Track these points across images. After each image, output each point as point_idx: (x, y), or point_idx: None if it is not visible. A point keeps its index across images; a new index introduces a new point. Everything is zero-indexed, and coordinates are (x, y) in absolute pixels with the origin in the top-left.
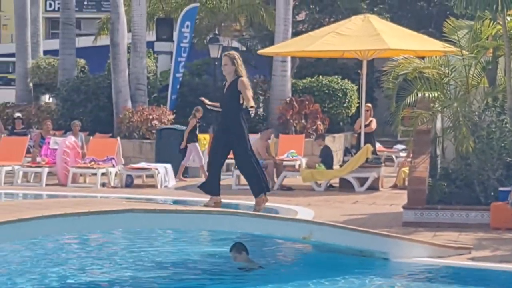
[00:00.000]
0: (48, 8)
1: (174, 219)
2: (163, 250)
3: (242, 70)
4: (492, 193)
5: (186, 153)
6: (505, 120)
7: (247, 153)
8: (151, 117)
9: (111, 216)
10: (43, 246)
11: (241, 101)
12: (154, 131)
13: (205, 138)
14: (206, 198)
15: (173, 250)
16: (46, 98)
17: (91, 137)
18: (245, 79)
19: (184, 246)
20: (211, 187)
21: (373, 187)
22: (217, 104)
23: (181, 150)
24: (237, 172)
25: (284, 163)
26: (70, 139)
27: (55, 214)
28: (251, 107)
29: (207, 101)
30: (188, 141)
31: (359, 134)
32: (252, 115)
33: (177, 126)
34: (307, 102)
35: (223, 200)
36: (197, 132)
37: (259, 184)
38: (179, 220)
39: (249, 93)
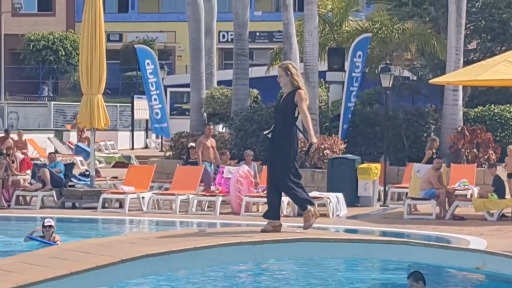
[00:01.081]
0: (221, 39)
1: (347, 249)
2: (336, 278)
3: (299, 80)
4: None
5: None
6: None
7: (285, 173)
8: (322, 146)
9: (285, 245)
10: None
11: (296, 115)
12: (325, 161)
13: (376, 168)
14: (379, 227)
15: (345, 278)
16: (220, 128)
17: (263, 167)
18: (302, 91)
19: (356, 274)
20: (270, 211)
21: None
22: None
23: None
24: (409, 201)
25: (456, 192)
26: (244, 168)
27: (231, 242)
28: (311, 143)
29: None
30: None
31: None
32: (311, 151)
33: (349, 156)
34: (479, 131)
35: (395, 229)
36: None
37: (302, 197)
38: (352, 249)
39: (305, 107)
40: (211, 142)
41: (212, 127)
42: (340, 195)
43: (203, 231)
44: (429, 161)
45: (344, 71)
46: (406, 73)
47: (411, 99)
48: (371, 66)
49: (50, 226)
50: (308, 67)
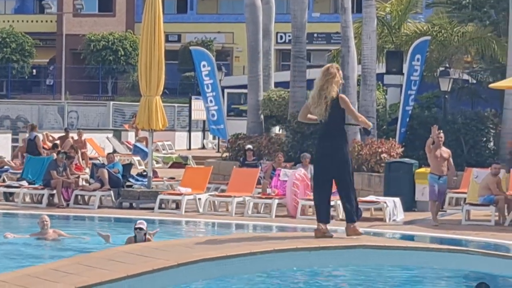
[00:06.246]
0: (279, 41)
1: (406, 256)
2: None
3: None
4: None
5: None
6: None
7: None
8: (380, 150)
9: (342, 252)
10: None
11: None
12: (383, 164)
13: None
14: (437, 233)
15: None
16: (277, 130)
17: None
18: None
19: (413, 284)
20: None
21: None
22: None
23: None
24: (467, 207)
25: None
26: (300, 171)
27: (287, 248)
28: None
29: None
30: None
31: None
32: None
33: (406, 160)
34: None
35: (453, 236)
36: None
37: None
38: (411, 257)
39: None
40: None
41: None
42: (397, 199)
43: (259, 235)
44: None
45: (403, 74)
46: (466, 77)
47: (470, 103)
48: (430, 69)
49: (141, 229)
50: (366, 70)
